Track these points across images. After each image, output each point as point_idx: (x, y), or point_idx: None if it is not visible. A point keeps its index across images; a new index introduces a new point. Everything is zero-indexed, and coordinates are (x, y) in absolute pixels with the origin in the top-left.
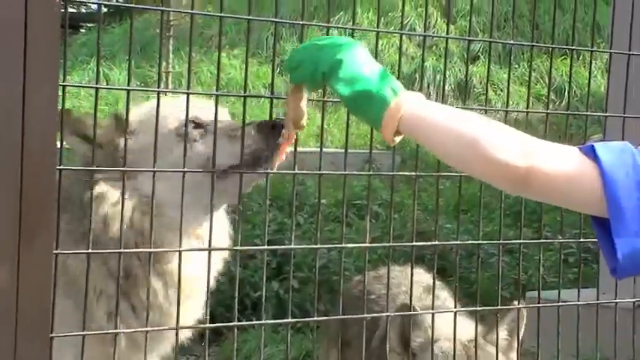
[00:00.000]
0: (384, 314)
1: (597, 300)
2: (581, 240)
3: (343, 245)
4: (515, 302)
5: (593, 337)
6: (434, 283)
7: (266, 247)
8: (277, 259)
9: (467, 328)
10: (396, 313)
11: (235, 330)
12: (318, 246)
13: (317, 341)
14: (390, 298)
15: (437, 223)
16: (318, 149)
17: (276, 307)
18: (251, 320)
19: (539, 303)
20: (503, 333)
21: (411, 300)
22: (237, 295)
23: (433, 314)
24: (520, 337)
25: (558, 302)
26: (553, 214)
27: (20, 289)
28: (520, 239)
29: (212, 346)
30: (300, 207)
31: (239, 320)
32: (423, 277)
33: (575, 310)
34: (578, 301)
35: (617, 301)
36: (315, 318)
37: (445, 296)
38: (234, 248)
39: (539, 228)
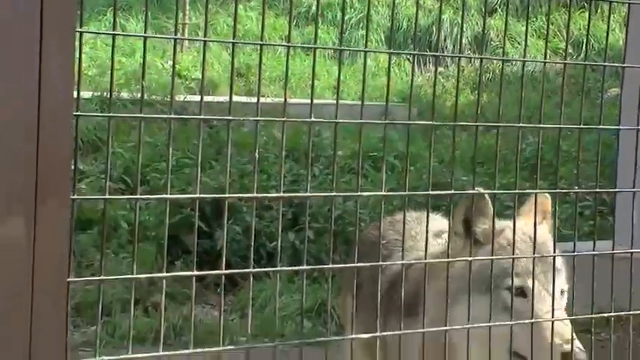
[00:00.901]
0: (399, 262)
1: (612, 250)
2: (597, 190)
3: (359, 193)
4: None
5: (608, 288)
6: (449, 228)
7: (281, 194)
8: (293, 209)
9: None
10: (412, 261)
11: (251, 277)
12: (334, 194)
13: (332, 291)
14: (398, 244)
15: (453, 174)
16: (335, 101)
17: (292, 257)
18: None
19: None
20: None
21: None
22: (252, 244)
23: (448, 263)
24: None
25: (574, 252)
26: (569, 166)
27: (37, 237)
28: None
29: (228, 295)
30: (315, 159)
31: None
32: (436, 223)
33: (591, 261)
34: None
35: (633, 251)
36: (331, 266)
37: None
38: (251, 196)
39: (556, 180)
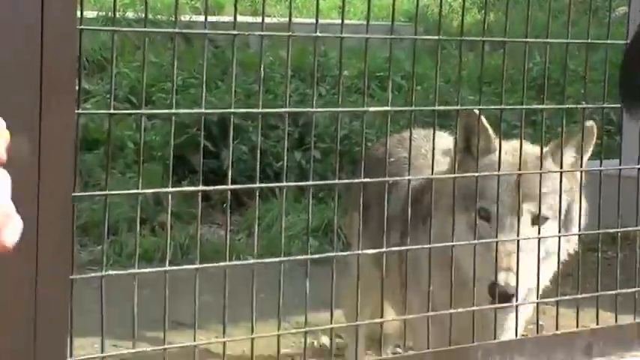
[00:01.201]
0: (406, 177)
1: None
2: (605, 106)
3: (365, 109)
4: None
5: (614, 207)
6: (455, 144)
7: (287, 109)
8: (299, 129)
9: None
10: (417, 177)
11: (257, 195)
12: (340, 109)
13: (339, 211)
14: (407, 162)
15: (459, 93)
16: (340, 20)
17: (298, 177)
18: (273, 190)
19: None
20: (570, 151)
21: (433, 162)
22: (259, 162)
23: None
24: (586, 156)
25: (581, 169)
26: (577, 85)
27: (42, 152)
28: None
29: (234, 215)
30: (322, 79)
31: (262, 190)
32: (443, 140)
33: (598, 178)
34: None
35: (639, 166)
36: (337, 181)
37: None
38: (257, 111)
39: (563, 100)
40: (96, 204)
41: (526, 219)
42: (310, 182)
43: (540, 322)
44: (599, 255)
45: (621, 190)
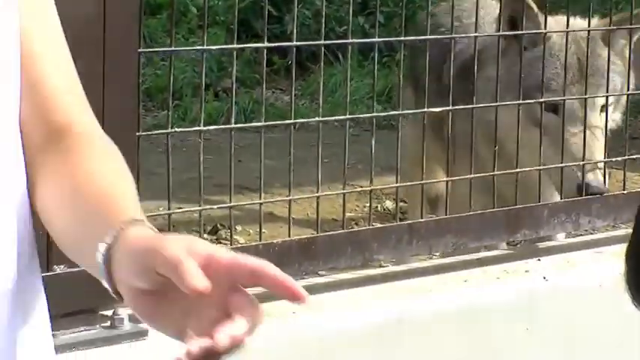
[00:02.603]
0: (447, 37)
1: None
2: None
3: None
4: None
5: None
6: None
7: None
8: None
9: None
10: (461, 35)
11: (322, 53)
12: None
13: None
14: (461, 30)
15: None
16: None
17: (362, 43)
18: (337, 56)
19: None
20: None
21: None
22: (324, 21)
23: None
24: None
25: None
26: None
27: (107, 12)
28: None
29: (298, 80)
30: None
31: (325, 56)
32: (493, 9)
33: None
34: None
35: None
36: (402, 38)
37: None
38: None
39: None
40: (160, 69)
41: (596, 108)
42: (376, 39)
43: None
44: None
45: None
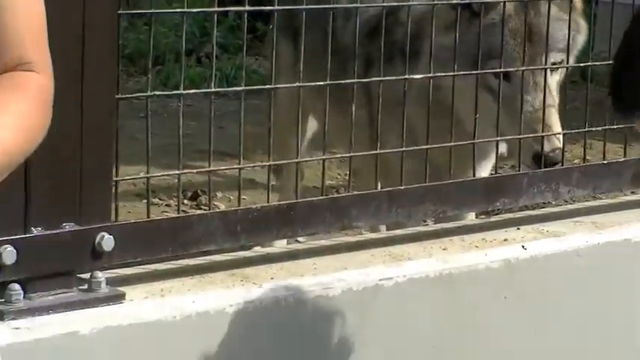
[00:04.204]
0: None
1: None
2: None
3: None
4: None
5: None
6: None
7: None
8: None
9: None
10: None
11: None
12: None
13: None
14: None
15: None
16: None
17: None
18: None
19: None
20: None
21: None
22: None
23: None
24: None
25: None
26: None
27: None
28: None
29: None
30: None
31: None
32: None
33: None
34: None
35: None
36: None
37: None
38: None
39: None
40: (142, 34)
41: (550, 72)
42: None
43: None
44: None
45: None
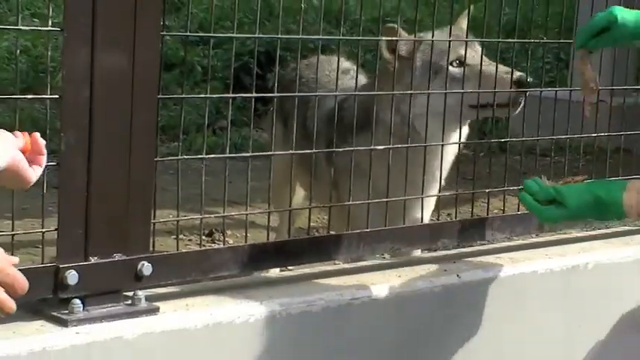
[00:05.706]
0: (333, 93)
1: (569, 97)
2: (561, 41)
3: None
4: None
5: (565, 126)
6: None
7: (319, 36)
8: None
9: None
10: (324, 94)
11: (296, 101)
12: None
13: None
14: (318, 83)
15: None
16: None
17: None
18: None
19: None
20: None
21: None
22: (297, 79)
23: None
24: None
25: (540, 96)
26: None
27: (136, 63)
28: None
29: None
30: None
31: None
32: (341, 64)
33: (553, 104)
34: (556, 96)
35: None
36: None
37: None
38: (297, 37)
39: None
40: (172, 112)
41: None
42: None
43: None
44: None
45: (571, 112)
